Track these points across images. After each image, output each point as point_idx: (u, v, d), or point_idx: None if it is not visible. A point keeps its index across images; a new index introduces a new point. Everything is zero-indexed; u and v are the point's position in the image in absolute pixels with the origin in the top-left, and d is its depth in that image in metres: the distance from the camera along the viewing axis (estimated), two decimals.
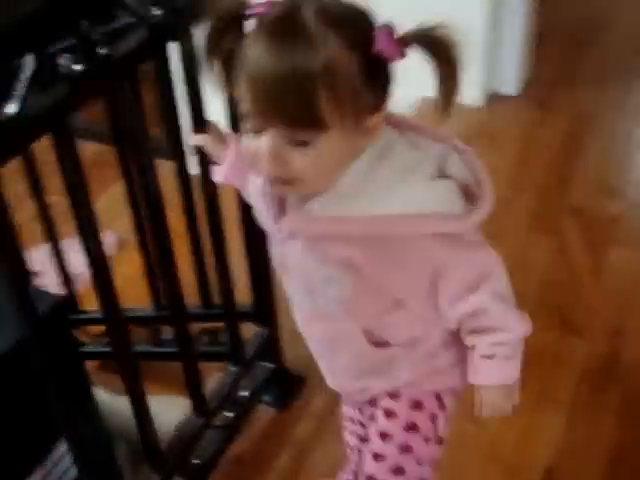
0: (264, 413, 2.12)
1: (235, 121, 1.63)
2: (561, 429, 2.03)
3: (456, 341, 1.28)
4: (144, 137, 1.53)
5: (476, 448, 1.97)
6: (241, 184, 1.35)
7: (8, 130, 1.14)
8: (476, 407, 1.29)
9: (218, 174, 1.38)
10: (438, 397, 1.36)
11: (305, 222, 1.14)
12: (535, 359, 2.11)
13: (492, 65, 3.30)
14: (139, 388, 1.60)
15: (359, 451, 1.50)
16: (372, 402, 1.39)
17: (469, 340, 1.23)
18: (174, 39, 1.49)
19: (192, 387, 1.82)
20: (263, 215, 1.24)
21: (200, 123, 1.60)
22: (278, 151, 1.03)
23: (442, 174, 1.11)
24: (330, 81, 0.97)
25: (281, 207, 1.18)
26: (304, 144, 1.02)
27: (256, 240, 1.87)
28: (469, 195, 1.12)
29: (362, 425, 1.49)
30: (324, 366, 1.40)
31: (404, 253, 1.12)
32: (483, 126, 3.18)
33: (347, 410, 1.56)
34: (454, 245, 1.12)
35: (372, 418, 1.39)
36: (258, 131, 1.03)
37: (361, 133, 1.06)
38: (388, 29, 1.01)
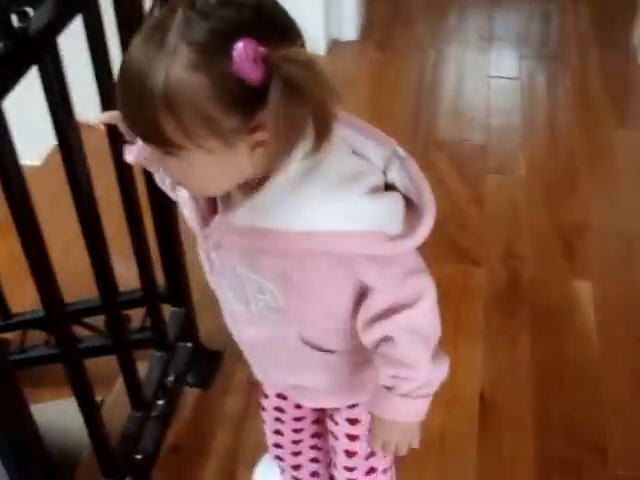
0: (190, 395, 2.03)
1: None
2: (483, 357, 2.08)
3: None
4: None
5: None
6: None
7: None
8: (369, 437, 1.23)
9: (130, 154, 1.24)
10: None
11: (228, 233, 1.04)
12: (441, 294, 2.19)
13: (331, 13, 3.30)
14: (88, 390, 1.48)
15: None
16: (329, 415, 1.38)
17: (376, 363, 1.15)
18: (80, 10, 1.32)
19: (130, 382, 1.71)
20: (190, 217, 1.13)
21: (110, 98, 1.41)
22: (155, 156, 0.96)
23: (385, 183, 1.02)
24: (170, 104, 0.87)
25: (210, 211, 1.09)
26: (170, 154, 0.93)
27: (165, 220, 1.79)
28: (409, 206, 1.02)
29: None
30: (255, 364, 1.33)
31: (330, 270, 1.04)
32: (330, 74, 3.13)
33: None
34: (385, 267, 1.04)
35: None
36: None
37: (240, 147, 0.92)
38: (248, 47, 0.85)
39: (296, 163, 0.95)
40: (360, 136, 1.03)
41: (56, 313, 1.38)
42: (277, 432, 1.53)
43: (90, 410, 1.51)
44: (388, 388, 1.13)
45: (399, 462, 1.50)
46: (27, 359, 2.00)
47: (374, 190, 0.99)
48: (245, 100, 0.88)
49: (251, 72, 0.85)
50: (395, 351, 1.09)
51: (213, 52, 0.86)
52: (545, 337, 2.14)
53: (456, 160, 2.74)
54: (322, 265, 1.03)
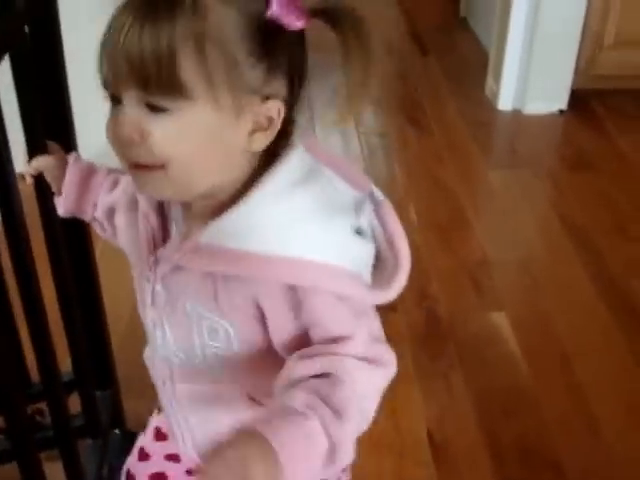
0: None
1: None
2: (423, 400, 2.04)
3: None
4: None
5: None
6: (87, 210, 1.15)
7: None
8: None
9: (60, 206, 1.15)
10: None
11: (192, 254, 0.90)
12: None
13: None
14: None
15: None
16: None
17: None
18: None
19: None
20: (137, 243, 1.01)
21: (37, 144, 1.28)
22: (135, 121, 0.83)
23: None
24: (197, 36, 0.80)
25: (163, 236, 0.98)
26: (163, 110, 0.82)
27: (90, 297, 1.67)
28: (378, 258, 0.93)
29: None
30: (177, 430, 1.13)
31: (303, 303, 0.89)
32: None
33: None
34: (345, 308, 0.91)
35: None
36: (115, 101, 0.84)
37: (244, 121, 0.85)
38: None
39: (286, 173, 0.88)
40: (335, 172, 0.94)
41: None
42: None
43: None
44: (300, 414, 0.84)
45: None
46: None
47: (354, 232, 0.89)
48: (273, 53, 0.83)
49: (290, 16, 0.82)
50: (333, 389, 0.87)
51: None
52: (476, 369, 2.13)
53: None
54: (298, 298, 0.88)
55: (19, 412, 1.26)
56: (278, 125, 0.87)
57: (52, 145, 1.23)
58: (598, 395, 2.05)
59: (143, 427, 1.90)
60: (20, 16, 1.20)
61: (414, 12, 4.53)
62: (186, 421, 1.09)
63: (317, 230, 0.86)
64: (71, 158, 1.17)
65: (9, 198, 1.18)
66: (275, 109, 0.85)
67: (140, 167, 0.85)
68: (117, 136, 0.84)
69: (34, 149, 1.25)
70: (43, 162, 1.17)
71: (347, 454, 0.86)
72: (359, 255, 0.90)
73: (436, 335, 2.24)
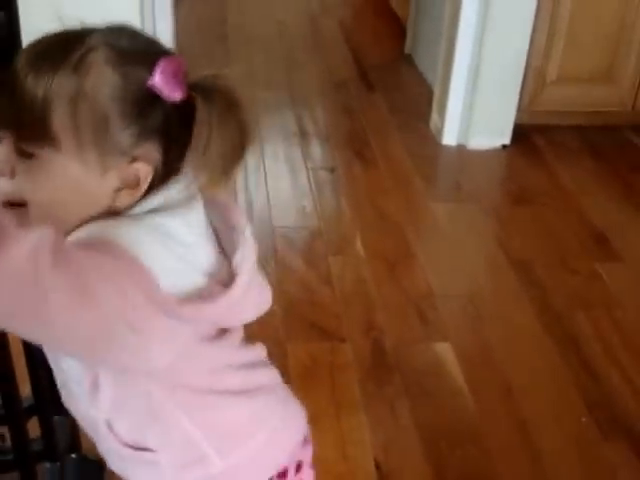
0: None
1: None
2: (369, 428, 2.06)
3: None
4: None
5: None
6: None
7: None
8: None
9: None
10: None
11: None
12: (316, 373, 2.17)
13: None
14: None
15: None
16: None
17: None
18: None
19: None
20: None
21: None
22: (8, 160, 0.87)
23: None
24: (74, 92, 0.83)
25: None
26: (30, 156, 0.85)
27: None
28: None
29: None
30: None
31: None
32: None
33: None
34: None
35: None
36: None
37: (111, 178, 0.88)
38: (173, 65, 0.87)
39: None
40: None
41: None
42: None
43: None
44: None
45: None
46: None
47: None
48: (146, 119, 0.86)
49: (173, 89, 0.85)
50: None
51: (134, 58, 0.85)
52: (421, 400, 2.15)
53: (296, 245, 2.77)
54: None
55: None
56: (144, 187, 0.89)
57: None
58: (541, 428, 2.08)
59: (98, 453, 1.91)
60: None
61: (361, 50, 4.59)
62: None
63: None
64: None
65: None
66: (143, 171, 0.88)
67: (8, 202, 0.88)
68: None
69: None
70: None
71: None
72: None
73: (382, 365, 2.26)
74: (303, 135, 3.63)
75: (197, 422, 1.01)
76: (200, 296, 0.90)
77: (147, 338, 0.86)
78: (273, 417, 1.10)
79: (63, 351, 0.88)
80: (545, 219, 3.05)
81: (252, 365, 1.09)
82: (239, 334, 1.05)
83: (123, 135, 0.85)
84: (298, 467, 1.13)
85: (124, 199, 0.89)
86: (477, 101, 3.46)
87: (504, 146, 3.55)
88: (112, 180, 0.88)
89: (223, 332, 1.00)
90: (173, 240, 0.89)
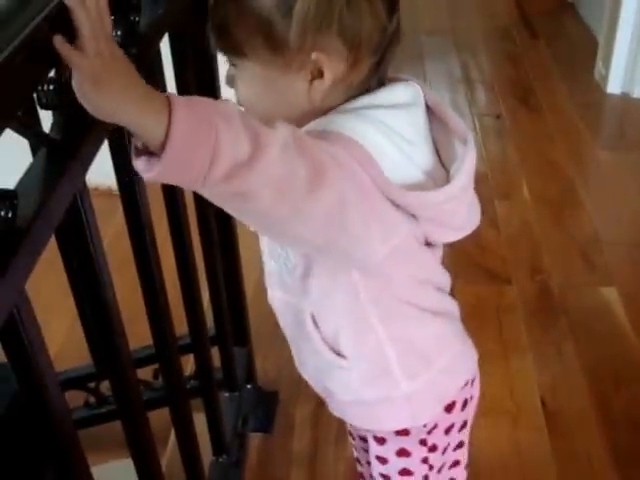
0: (254, 439, 1.97)
1: None
2: (536, 368, 2.11)
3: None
4: None
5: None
6: None
7: None
8: None
9: None
10: (423, 442, 1.19)
11: None
12: (483, 314, 2.23)
13: None
14: (151, 451, 1.23)
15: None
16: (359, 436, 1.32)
17: None
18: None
19: (214, 426, 1.66)
20: None
21: None
22: (229, 73, 1.02)
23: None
24: (239, 4, 0.94)
25: None
26: (235, 66, 1.00)
27: (229, 259, 1.77)
28: None
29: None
30: (292, 349, 1.23)
31: None
32: None
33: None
34: None
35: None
36: None
37: (299, 72, 0.96)
38: None
39: (368, 99, 0.99)
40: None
41: (119, 361, 1.09)
42: (357, 460, 1.45)
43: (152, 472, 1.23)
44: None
45: None
46: None
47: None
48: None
49: None
50: None
51: None
52: (587, 342, 2.18)
53: None
54: None
55: (173, 364, 1.35)
56: (328, 75, 0.95)
57: None
58: None
59: (271, 385, 2.04)
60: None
61: None
62: (287, 338, 1.21)
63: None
64: None
65: None
66: (321, 60, 0.94)
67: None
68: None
69: None
70: None
71: (246, 186, 0.80)
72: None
73: (548, 307, 2.30)
74: (468, 81, 3.66)
75: (392, 334, 1.08)
76: (421, 189, 0.97)
77: (370, 224, 0.93)
78: (454, 346, 1.16)
79: (293, 235, 0.91)
80: None
81: (445, 289, 1.16)
82: (440, 253, 1.12)
83: (288, 30, 0.92)
84: (464, 404, 1.19)
85: (317, 92, 0.97)
86: None
87: None
88: (300, 76, 0.96)
89: (430, 246, 1.07)
90: (397, 135, 0.97)
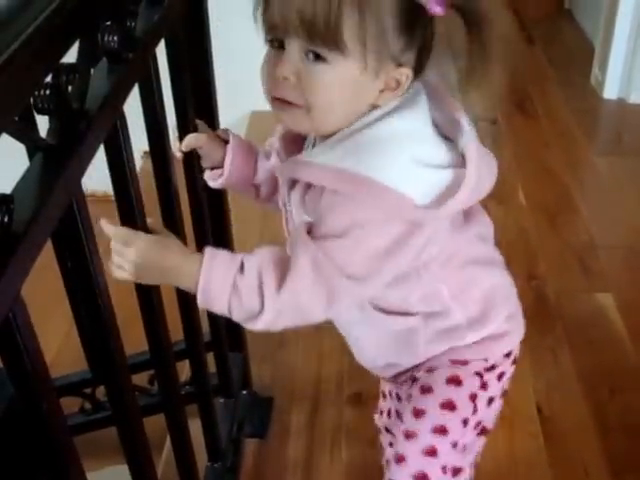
0: (249, 445, 1.97)
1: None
2: (532, 373, 2.10)
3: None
4: None
5: None
6: (248, 175, 1.26)
7: None
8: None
9: (215, 180, 1.26)
10: (479, 374, 1.22)
11: (287, 165, 1.09)
12: None
13: None
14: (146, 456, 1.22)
15: (387, 431, 1.45)
16: (408, 379, 1.31)
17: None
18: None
19: (209, 432, 1.65)
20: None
21: (186, 123, 1.37)
22: (295, 64, 0.98)
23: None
24: (360, 4, 0.94)
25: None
26: (323, 60, 0.96)
27: None
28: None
29: (399, 399, 1.39)
30: (348, 340, 1.31)
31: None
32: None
33: (383, 384, 1.51)
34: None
35: (408, 398, 1.28)
36: (278, 44, 0.99)
37: (379, 80, 1.00)
38: None
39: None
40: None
41: (115, 367, 1.08)
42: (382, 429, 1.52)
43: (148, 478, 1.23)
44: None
45: None
46: None
47: (428, 164, 1.02)
48: (413, 29, 0.98)
49: (438, 4, 0.96)
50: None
51: None
52: (583, 348, 2.18)
53: None
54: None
55: (168, 370, 1.34)
56: (405, 88, 1.02)
57: (201, 124, 1.30)
58: None
59: (266, 390, 2.03)
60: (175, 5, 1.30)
61: (520, 2, 4.56)
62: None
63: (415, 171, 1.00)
64: (226, 134, 1.26)
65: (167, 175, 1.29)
66: (405, 75, 1.00)
67: (285, 103, 1.00)
68: (274, 74, 0.99)
69: (184, 127, 1.35)
70: (194, 140, 1.24)
71: (265, 320, 1.01)
72: (418, 183, 1.00)
73: (544, 313, 2.30)
74: (463, 87, 3.64)
75: (454, 293, 1.17)
76: (450, 188, 1.01)
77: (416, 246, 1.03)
78: (507, 306, 1.27)
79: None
80: None
81: (491, 239, 1.28)
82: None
83: (396, 43, 0.97)
84: (500, 376, 1.24)
85: (385, 99, 1.02)
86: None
87: None
88: (379, 82, 1.00)
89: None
90: (425, 153, 1.01)
